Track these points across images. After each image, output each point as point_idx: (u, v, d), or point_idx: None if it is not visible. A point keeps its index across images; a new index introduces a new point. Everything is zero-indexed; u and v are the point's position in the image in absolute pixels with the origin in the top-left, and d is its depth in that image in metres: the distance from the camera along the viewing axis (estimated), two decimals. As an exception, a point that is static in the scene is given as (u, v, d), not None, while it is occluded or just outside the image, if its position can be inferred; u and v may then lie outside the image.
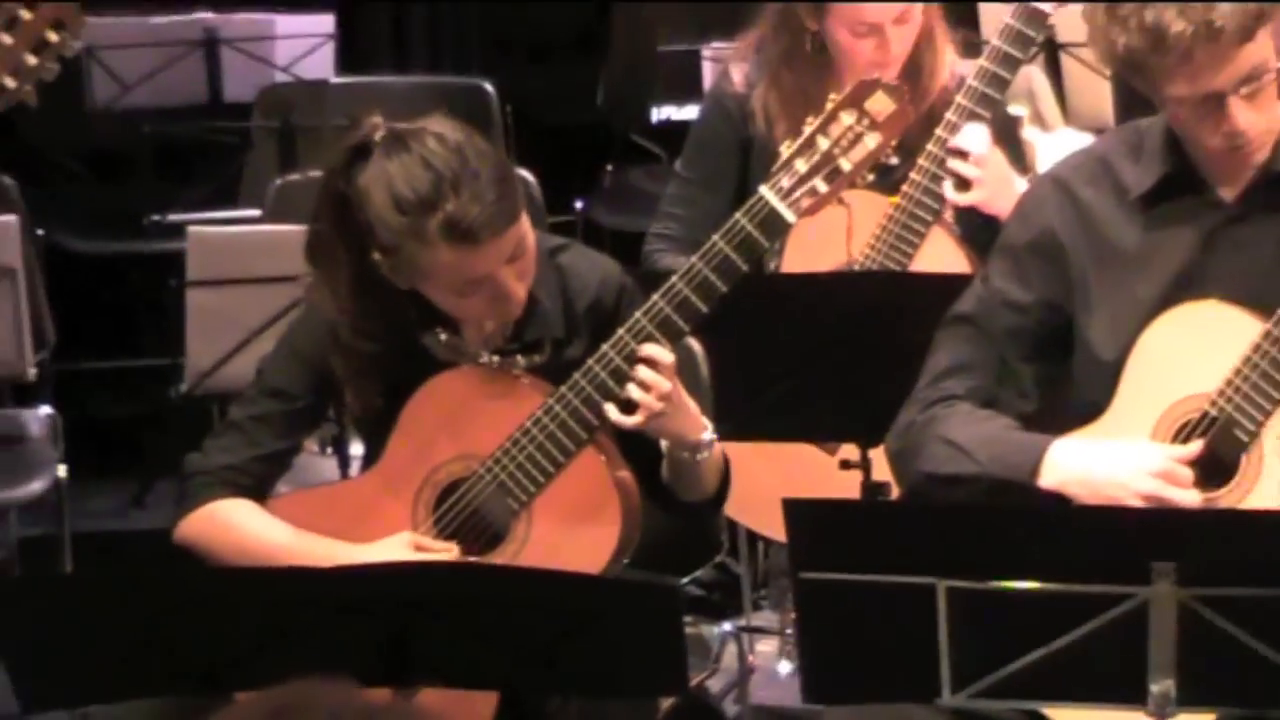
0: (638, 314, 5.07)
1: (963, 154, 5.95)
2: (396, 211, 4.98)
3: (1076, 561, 4.19)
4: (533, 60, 7.89)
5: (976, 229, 6.09)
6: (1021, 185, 6.08)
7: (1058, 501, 4.74)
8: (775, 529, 5.38)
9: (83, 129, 8.09)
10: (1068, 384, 4.97)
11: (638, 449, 5.24)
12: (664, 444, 5.16)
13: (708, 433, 5.12)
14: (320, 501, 5.30)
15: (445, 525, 5.11)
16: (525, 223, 5.14)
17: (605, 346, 5.07)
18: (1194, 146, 4.89)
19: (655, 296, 5.06)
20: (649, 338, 5.04)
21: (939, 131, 6.16)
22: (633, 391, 4.99)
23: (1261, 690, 4.22)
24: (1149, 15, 4.68)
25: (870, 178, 5.24)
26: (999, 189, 6.07)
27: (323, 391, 5.33)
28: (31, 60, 5.08)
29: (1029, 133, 6.42)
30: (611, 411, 5.03)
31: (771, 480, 5.46)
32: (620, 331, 5.05)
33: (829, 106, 5.05)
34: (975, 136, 6.11)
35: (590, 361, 5.09)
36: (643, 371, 4.99)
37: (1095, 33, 4.94)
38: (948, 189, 6.10)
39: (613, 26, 9.51)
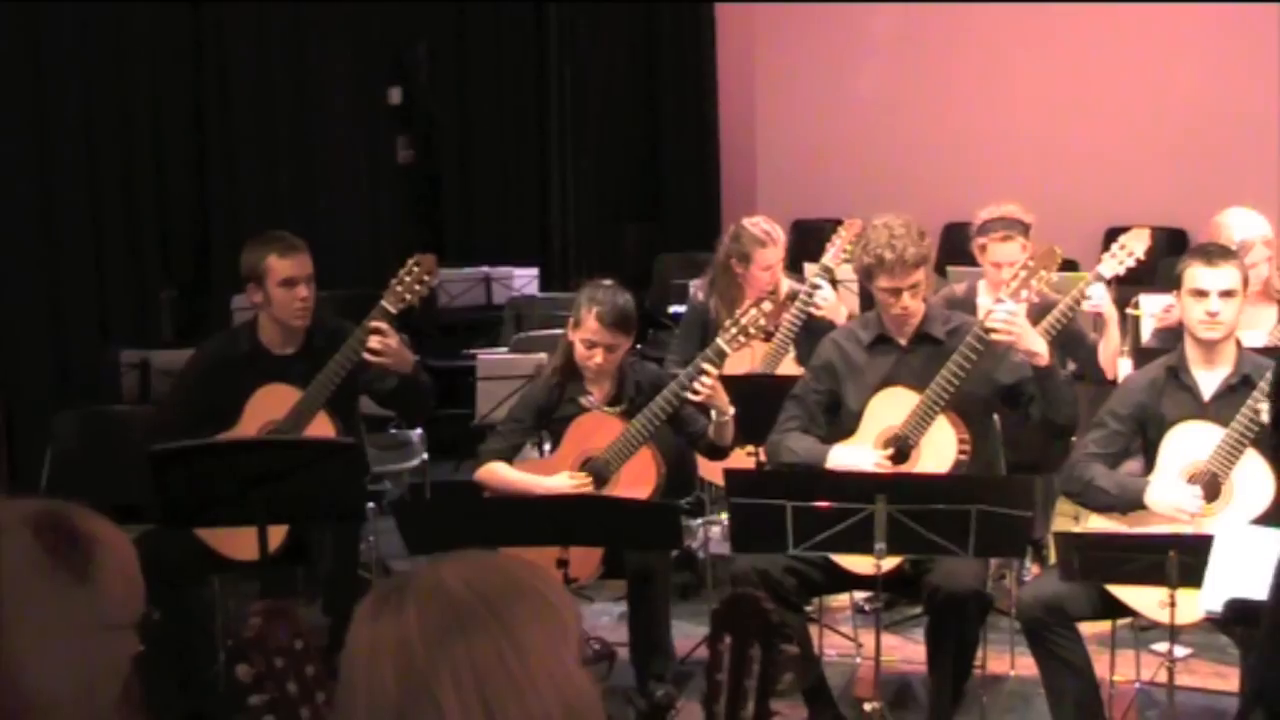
0: (665, 390, 4.92)
1: (816, 287, 5.99)
2: (589, 301, 4.95)
3: (845, 494, 4.20)
4: (630, 287, 7.78)
5: (804, 350, 5.71)
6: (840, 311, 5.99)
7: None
8: (719, 479, 5.16)
9: (435, 315, 7.86)
10: (838, 423, 4.88)
11: (692, 430, 5.10)
12: (713, 413, 4.96)
13: (731, 410, 4.93)
14: (535, 465, 5.17)
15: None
16: (626, 343, 5.08)
17: (657, 398, 4.92)
18: (887, 317, 4.83)
19: (671, 384, 4.95)
20: (676, 396, 4.89)
21: (787, 316, 5.86)
22: (698, 386, 4.83)
23: (923, 546, 4.20)
24: (876, 250, 4.66)
25: (760, 336, 5.16)
26: (833, 310, 5.85)
27: (536, 421, 5.15)
28: (418, 288, 5.00)
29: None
30: (689, 396, 4.86)
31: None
32: (659, 396, 4.91)
33: (745, 306, 4.99)
34: (825, 291, 5.87)
35: (646, 408, 4.92)
36: (703, 376, 4.83)
37: (855, 257, 4.92)
38: (812, 309, 5.87)
39: (653, 276, 9.31)
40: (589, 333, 4.98)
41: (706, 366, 4.89)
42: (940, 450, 4.72)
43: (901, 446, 4.74)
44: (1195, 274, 4.53)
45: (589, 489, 4.94)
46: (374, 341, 4.98)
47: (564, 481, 4.95)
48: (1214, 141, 9.48)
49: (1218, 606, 3.84)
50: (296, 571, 5.10)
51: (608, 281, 5.12)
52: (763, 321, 4.97)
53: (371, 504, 5.33)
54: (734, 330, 4.95)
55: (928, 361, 4.80)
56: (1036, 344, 4.68)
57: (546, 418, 5.20)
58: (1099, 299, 5.50)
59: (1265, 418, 4.29)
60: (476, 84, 10.03)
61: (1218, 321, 4.50)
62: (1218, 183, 8.48)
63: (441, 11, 9.90)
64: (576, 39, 10.42)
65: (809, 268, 6.40)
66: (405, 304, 5.07)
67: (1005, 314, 4.61)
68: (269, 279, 5.09)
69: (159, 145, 8.06)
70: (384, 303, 5.04)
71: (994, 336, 4.63)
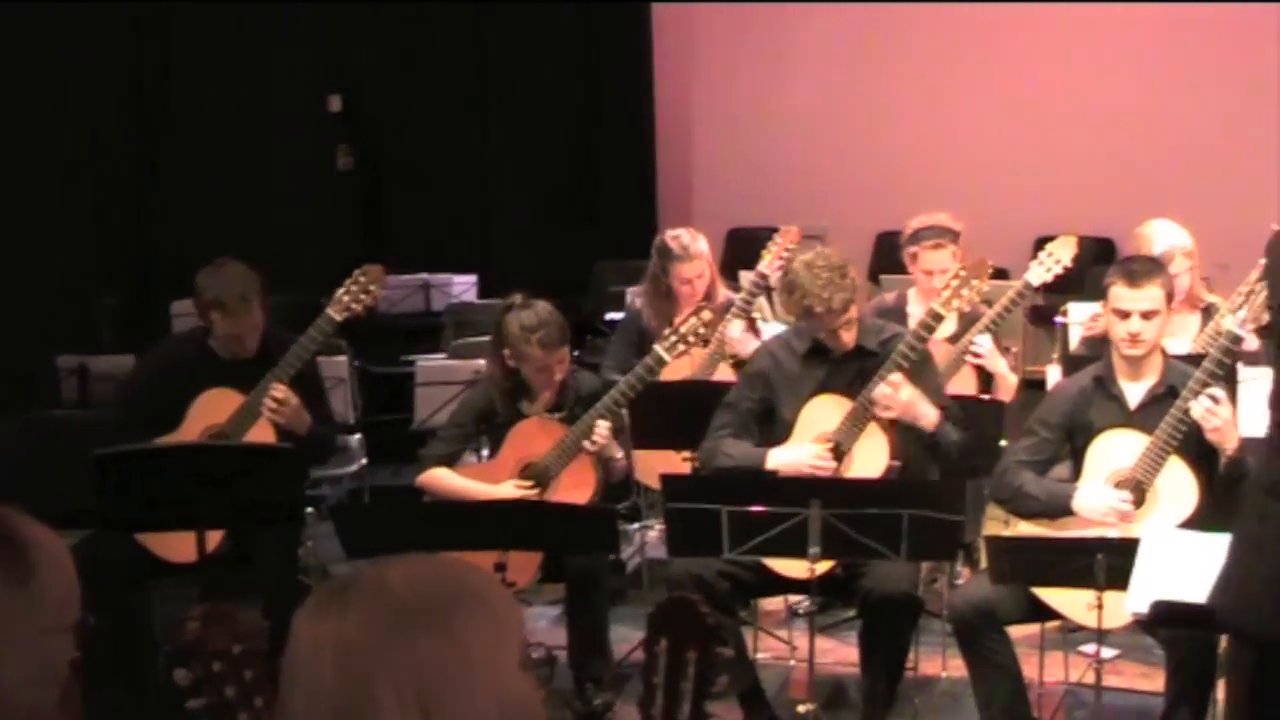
0: (604, 398, 4.94)
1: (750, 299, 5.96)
2: (523, 331, 4.96)
3: (781, 497, 4.23)
4: (568, 294, 7.68)
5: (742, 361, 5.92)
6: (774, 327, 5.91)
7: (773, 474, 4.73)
8: (656, 483, 5.20)
9: (374, 321, 7.94)
10: (771, 432, 4.88)
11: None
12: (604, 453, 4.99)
13: (620, 455, 5.00)
14: (476, 470, 5.12)
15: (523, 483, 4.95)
16: (567, 350, 5.05)
17: (590, 411, 4.92)
18: (826, 337, 4.83)
19: (611, 391, 4.97)
20: (616, 404, 4.91)
21: (721, 329, 5.78)
22: (596, 436, 4.88)
23: (856, 550, 4.22)
24: (806, 300, 4.72)
25: (700, 344, 5.13)
26: (741, 345, 5.69)
27: (477, 425, 5.16)
28: (364, 297, 5.07)
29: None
30: (586, 447, 4.90)
31: (654, 464, 5.49)
32: (595, 406, 4.91)
33: (685, 315, 5.05)
34: (733, 328, 5.81)
35: (582, 418, 4.93)
36: (600, 424, 4.88)
37: (786, 300, 4.93)
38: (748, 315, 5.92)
39: (590, 283, 9.18)
40: (537, 360, 4.99)
41: (603, 421, 4.92)
42: (872, 456, 4.75)
43: (835, 452, 4.78)
44: (1118, 294, 4.54)
45: (534, 497, 4.93)
46: (268, 408, 4.98)
47: (509, 491, 4.95)
48: (1141, 152, 9.58)
49: (1144, 608, 3.88)
50: (236, 575, 5.07)
51: (518, 298, 5.10)
52: (702, 330, 4.99)
53: (311, 509, 5.34)
54: (673, 338, 4.97)
55: (861, 372, 4.84)
56: (923, 417, 4.77)
57: (488, 423, 5.18)
58: (984, 350, 5.58)
59: (1194, 413, 4.36)
60: (416, 92, 10.01)
61: (1139, 340, 4.53)
62: (1145, 193, 8.56)
63: (381, 20, 9.89)
64: (516, 48, 10.42)
65: (744, 275, 6.40)
66: (350, 313, 5.07)
67: (887, 389, 4.70)
68: (215, 326, 5.12)
69: (99, 151, 8.02)
70: (329, 311, 5.05)
71: (878, 411, 4.73)
